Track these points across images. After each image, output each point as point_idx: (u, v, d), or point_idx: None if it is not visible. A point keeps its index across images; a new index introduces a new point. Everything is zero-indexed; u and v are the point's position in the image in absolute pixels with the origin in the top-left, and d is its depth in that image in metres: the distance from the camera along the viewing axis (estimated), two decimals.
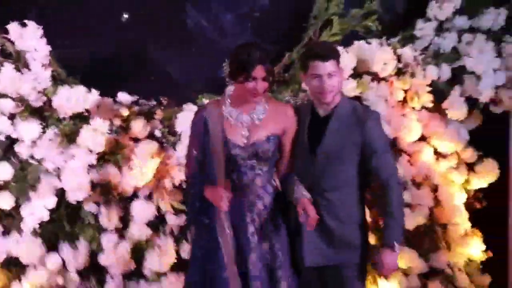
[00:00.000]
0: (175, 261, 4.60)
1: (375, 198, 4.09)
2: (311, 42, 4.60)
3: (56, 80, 4.57)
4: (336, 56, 3.62)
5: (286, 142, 3.71)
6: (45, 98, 4.51)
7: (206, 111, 3.70)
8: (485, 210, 4.94)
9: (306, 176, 3.67)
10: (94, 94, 4.50)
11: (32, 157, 4.47)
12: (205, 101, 4.53)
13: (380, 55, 4.64)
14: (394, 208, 3.61)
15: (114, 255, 4.55)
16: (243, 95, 3.61)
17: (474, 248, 4.88)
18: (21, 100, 4.45)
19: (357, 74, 4.67)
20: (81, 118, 4.53)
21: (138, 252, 4.63)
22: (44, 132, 4.47)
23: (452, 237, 4.86)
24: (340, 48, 4.38)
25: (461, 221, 4.85)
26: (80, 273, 4.61)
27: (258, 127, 3.65)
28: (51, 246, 4.59)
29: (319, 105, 3.68)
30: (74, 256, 4.55)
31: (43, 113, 4.53)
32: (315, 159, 3.64)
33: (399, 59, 4.73)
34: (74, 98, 4.43)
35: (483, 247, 4.89)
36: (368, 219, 4.07)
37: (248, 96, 3.59)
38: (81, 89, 4.46)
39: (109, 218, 4.56)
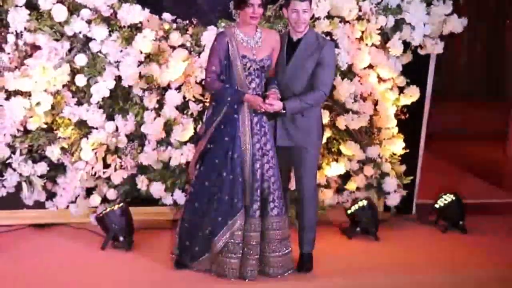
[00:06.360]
0: (193, 134, 5.07)
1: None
2: None
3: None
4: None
5: (273, 58, 4.22)
6: (112, 11, 4.96)
7: (228, 34, 4.08)
8: (407, 120, 5.50)
9: (281, 81, 4.18)
10: (146, 12, 4.98)
11: (100, 51, 4.95)
12: (223, 24, 5.01)
13: (347, 4, 5.11)
14: (307, 100, 3.96)
15: (152, 126, 5.05)
16: (246, 21, 3.99)
17: (397, 146, 5.47)
18: (95, 10, 4.91)
19: (330, 16, 5.17)
20: (136, 28, 4.97)
21: (168, 126, 5.11)
22: (110, 35, 4.93)
23: (384, 137, 5.43)
24: None
25: (391, 126, 5.42)
26: (128, 136, 5.12)
27: (260, 48, 4.13)
28: (109, 115, 5.09)
29: (293, 32, 4.19)
30: (124, 124, 5.06)
31: (110, 21, 4.95)
32: (287, 69, 4.13)
33: (360, 8, 5.22)
34: (132, 12, 4.92)
35: (403, 145, 5.48)
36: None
37: (249, 20, 3.97)
38: (137, 7, 4.96)
39: (150, 100, 5.05)
